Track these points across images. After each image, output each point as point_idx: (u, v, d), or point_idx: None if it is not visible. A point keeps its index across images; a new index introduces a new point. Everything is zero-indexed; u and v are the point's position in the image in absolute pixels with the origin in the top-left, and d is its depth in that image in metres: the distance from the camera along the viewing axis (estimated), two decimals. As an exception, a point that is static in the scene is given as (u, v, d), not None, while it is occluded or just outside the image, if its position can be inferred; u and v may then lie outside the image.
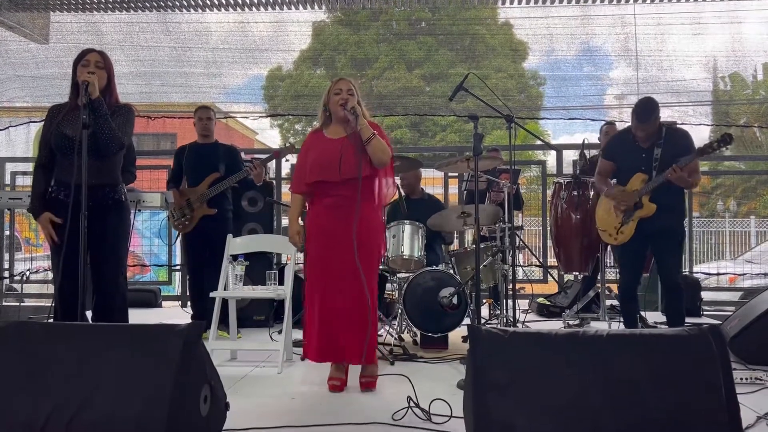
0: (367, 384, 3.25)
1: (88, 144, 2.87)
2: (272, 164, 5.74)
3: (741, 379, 3.28)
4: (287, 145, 4.82)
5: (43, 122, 3.27)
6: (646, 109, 3.88)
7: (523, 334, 2.29)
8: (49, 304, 3.15)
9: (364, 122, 3.22)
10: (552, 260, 6.10)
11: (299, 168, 3.39)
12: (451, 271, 4.55)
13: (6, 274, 6.98)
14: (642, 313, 4.74)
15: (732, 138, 3.75)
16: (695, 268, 7.09)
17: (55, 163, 3.17)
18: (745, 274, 7.59)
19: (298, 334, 4.55)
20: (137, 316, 5.28)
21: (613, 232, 4.11)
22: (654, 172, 3.89)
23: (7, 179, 7.19)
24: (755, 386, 3.25)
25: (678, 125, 6.38)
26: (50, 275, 3.22)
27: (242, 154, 5.18)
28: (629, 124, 4.08)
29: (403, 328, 4.55)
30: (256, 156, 5.83)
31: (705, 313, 5.97)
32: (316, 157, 3.28)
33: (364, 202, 3.22)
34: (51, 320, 3.15)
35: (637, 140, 3.97)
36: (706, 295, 6.22)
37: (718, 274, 7.48)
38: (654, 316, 5.37)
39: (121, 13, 7.35)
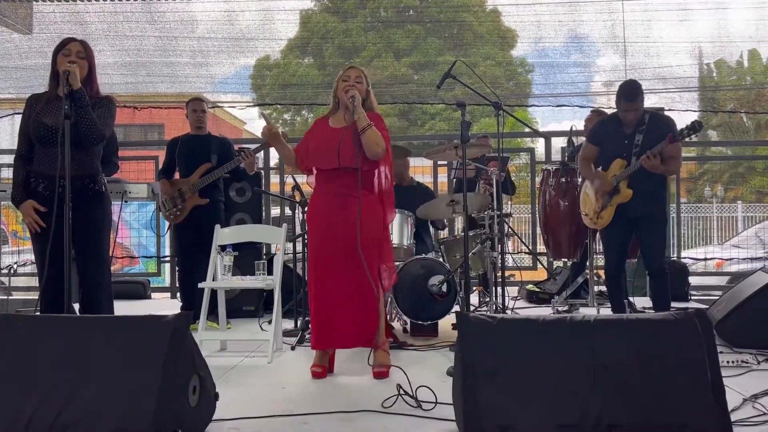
0: (380, 373, 3.24)
1: (69, 134, 2.84)
2: (261, 155, 5.71)
3: (727, 362, 3.31)
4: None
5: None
6: (632, 88, 3.91)
7: (511, 321, 2.30)
8: (37, 297, 3.12)
9: (362, 112, 3.22)
10: (541, 247, 6.12)
11: (300, 149, 3.42)
12: (441, 259, 4.56)
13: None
14: (630, 298, 4.79)
15: (701, 125, 3.78)
16: (683, 254, 7.15)
17: (34, 154, 3.13)
18: (732, 258, 7.67)
19: (288, 324, 4.56)
20: (126, 308, 5.25)
21: (593, 216, 4.16)
22: (633, 158, 3.92)
23: (-8, 171, 7.12)
24: (741, 369, 3.28)
25: (665, 111, 6.44)
26: (37, 268, 3.19)
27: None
28: (615, 110, 4.09)
29: (393, 316, 4.56)
30: (245, 146, 5.80)
31: (692, 297, 6.02)
32: (317, 144, 3.33)
33: (364, 192, 3.24)
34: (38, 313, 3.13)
35: (622, 126, 3.99)
36: (693, 280, 6.28)
37: (705, 259, 7.55)
38: (642, 302, 5.42)
39: (105, 2, 7.27)
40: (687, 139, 3.88)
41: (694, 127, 3.75)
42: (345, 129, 3.28)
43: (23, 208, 3.07)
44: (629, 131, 3.97)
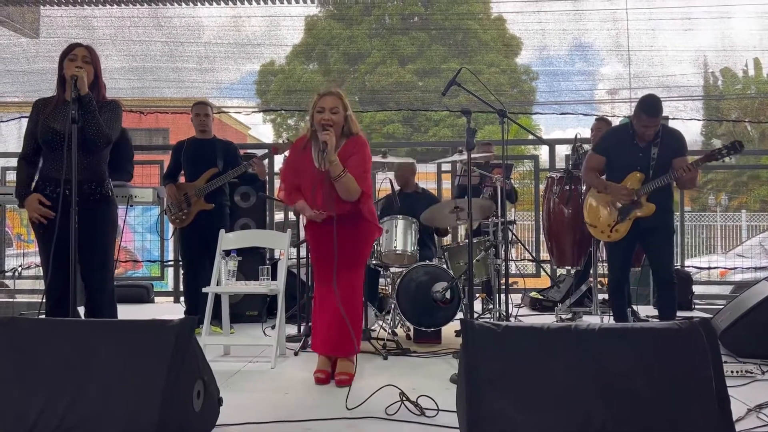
0: (342, 381, 3.25)
1: (76, 139, 2.86)
2: (265, 160, 5.73)
3: (731, 371, 3.30)
4: (283, 141, 4.82)
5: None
6: (655, 104, 3.88)
7: (515, 328, 2.30)
8: (41, 300, 3.13)
9: (334, 160, 3.16)
10: (545, 255, 6.12)
11: (288, 180, 3.43)
12: (444, 266, 4.56)
13: (-3, 270, 6.95)
14: (634, 306, 4.78)
15: (742, 146, 3.75)
16: (687, 262, 7.13)
17: (38, 157, 3.15)
18: (736, 268, 7.64)
19: (291, 329, 4.57)
20: (129, 312, 5.25)
21: (606, 230, 4.10)
22: (651, 171, 3.91)
23: (-2, 175, 7.15)
24: (746, 379, 3.27)
25: (669, 120, 6.46)
26: (42, 271, 3.19)
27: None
28: (621, 121, 4.09)
29: (396, 322, 4.56)
30: (249, 151, 5.81)
31: (696, 306, 6.00)
32: (307, 185, 3.33)
33: (360, 216, 3.33)
34: (42, 316, 3.14)
35: (635, 138, 3.97)
36: (697, 289, 6.26)
37: (709, 268, 7.52)
38: (646, 310, 5.40)
39: (112, 7, 7.31)
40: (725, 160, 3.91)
41: (735, 147, 3.75)
42: (327, 174, 3.24)
43: (28, 203, 3.07)
44: (643, 144, 3.95)
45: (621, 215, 4.01)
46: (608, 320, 4.60)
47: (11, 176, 7.04)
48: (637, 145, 3.97)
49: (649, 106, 3.87)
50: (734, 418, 2.14)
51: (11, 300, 6.20)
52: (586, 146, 5.43)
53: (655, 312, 4.92)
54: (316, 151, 3.31)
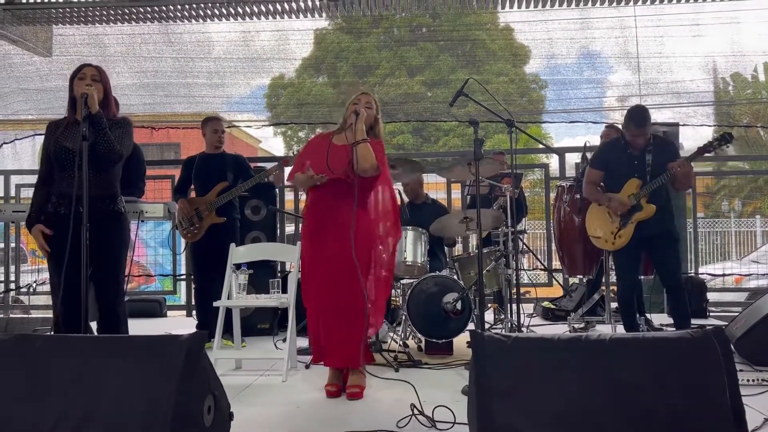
0: (353, 395, 3.24)
1: (87, 156, 2.89)
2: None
3: (747, 380, 3.26)
4: (294, 153, 4.86)
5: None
6: (642, 115, 4.06)
7: (525, 339, 2.28)
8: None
9: (361, 127, 3.30)
10: (556, 264, 6.09)
11: (298, 162, 3.50)
12: (455, 277, 4.55)
13: (12, 286, 7.02)
14: (647, 315, 4.75)
15: (732, 137, 3.89)
16: (701, 269, 7.06)
17: (54, 177, 3.19)
18: (750, 274, 7.55)
19: (302, 342, 4.56)
20: (143, 326, 5.30)
21: (610, 237, 4.17)
22: (648, 176, 4.04)
23: (13, 192, 7.23)
24: (761, 388, 3.23)
25: (680, 126, 6.49)
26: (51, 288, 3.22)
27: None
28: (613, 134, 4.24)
29: (407, 334, 4.55)
30: (260, 164, 5.86)
31: (711, 314, 5.94)
32: (318, 159, 3.36)
33: (357, 209, 3.29)
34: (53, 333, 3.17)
35: (629, 148, 4.11)
36: (711, 296, 6.20)
37: (723, 275, 7.45)
38: (660, 318, 5.35)
39: (123, 24, 7.39)
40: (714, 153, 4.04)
41: (725, 138, 3.89)
42: (346, 146, 3.33)
43: (33, 233, 3.14)
44: (637, 152, 4.10)
45: (623, 220, 4.09)
46: (621, 329, 4.56)
47: (25, 193, 7.13)
48: (631, 154, 4.11)
49: (636, 116, 4.05)
50: (750, 427, 2.11)
51: (26, 316, 6.25)
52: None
53: (669, 320, 4.87)
54: (341, 135, 3.43)
